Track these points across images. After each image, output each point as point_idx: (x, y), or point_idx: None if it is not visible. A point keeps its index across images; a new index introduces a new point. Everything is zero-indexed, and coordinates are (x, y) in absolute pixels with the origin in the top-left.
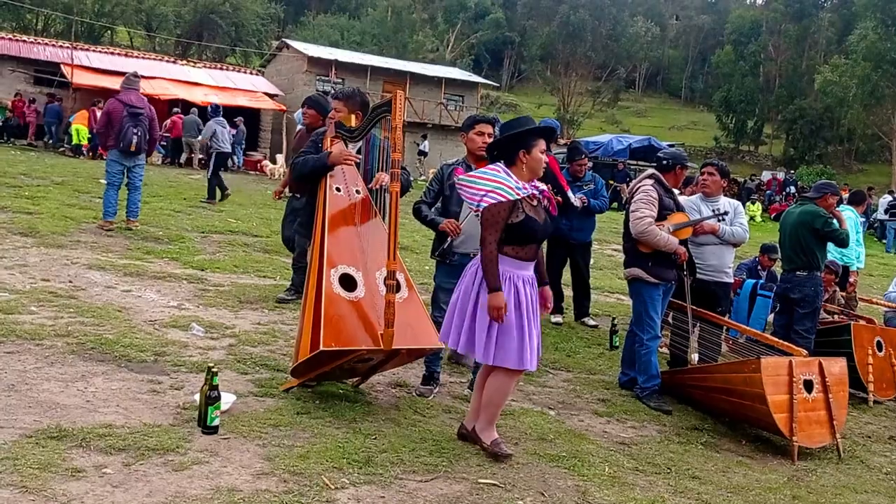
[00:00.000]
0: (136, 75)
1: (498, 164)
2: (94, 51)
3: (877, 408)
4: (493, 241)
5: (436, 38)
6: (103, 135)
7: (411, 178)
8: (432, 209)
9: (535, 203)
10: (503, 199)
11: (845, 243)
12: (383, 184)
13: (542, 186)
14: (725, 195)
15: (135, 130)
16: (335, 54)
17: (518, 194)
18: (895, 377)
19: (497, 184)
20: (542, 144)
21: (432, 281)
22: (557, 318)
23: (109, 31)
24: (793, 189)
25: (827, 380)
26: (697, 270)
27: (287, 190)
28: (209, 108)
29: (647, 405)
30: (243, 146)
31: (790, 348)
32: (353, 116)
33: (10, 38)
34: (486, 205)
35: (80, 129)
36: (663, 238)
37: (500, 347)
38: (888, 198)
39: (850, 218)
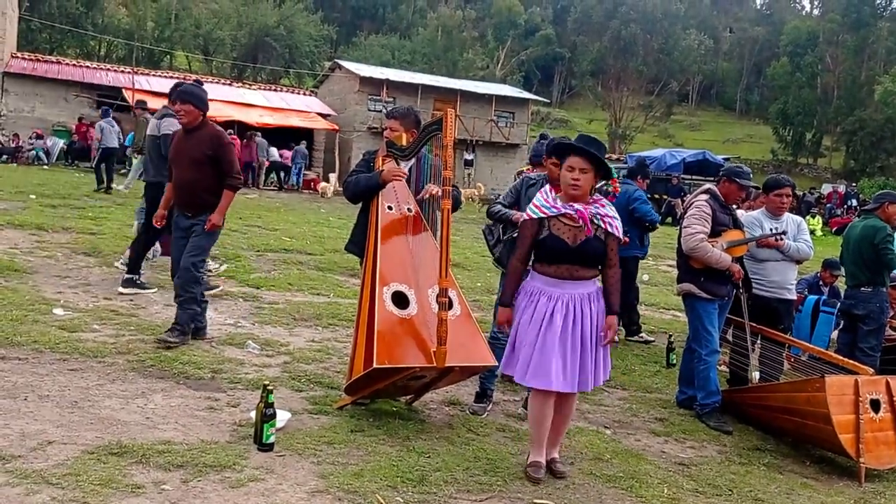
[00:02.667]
0: None
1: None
2: (153, 75)
3: None
4: (517, 255)
5: (486, 55)
6: None
7: (461, 194)
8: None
9: (571, 223)
10: (527, 217)
11: (891, 267)
12: (432, 194)
13: (579, 206)
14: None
15: None
16: (386, 74)
17: (544, 212)
18: None
19: (532, 203)
20: (569, 161)
21: (484, 298)
22: None
23: (168, 56)
24: (854, 202)
25: (895, 399)
26: (759, 287)
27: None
28: (101, 110)
29: (706, 424)
30: (299, 166)
31: (855, 366)
32: (405, 135)
33: (74, 64)
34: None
35: None
36: (715, 255)
37: (508, 356)
38: None
39: None
